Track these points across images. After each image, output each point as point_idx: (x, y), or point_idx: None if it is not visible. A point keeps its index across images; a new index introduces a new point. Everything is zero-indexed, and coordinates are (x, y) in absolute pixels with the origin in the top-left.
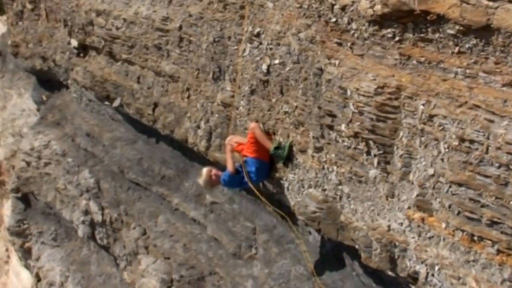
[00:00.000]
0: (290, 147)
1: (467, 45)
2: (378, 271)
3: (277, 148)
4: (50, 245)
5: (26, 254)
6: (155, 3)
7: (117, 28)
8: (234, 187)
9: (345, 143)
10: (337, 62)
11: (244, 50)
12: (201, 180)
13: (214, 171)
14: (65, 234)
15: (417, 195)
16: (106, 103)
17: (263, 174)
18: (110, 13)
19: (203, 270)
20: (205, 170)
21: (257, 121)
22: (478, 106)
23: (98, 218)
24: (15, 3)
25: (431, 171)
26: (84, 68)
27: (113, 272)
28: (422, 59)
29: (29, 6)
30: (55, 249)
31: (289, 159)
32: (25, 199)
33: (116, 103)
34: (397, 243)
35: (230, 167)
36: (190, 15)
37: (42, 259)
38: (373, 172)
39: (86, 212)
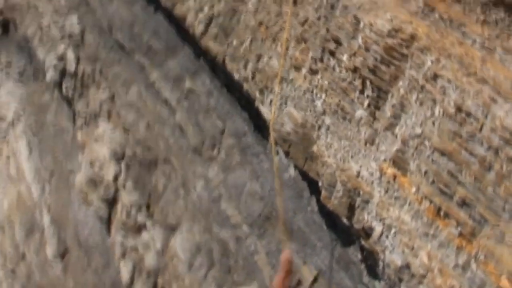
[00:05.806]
0: None
1: (494, 16)
2: (334, 214)
3: None
4: (14, 78)
5: None
6: None
7: None
8: None
9: (342, 75)
10: None
11: None
12: None
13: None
14: (32, 73)
15: (397, 150)
16: None
17: None
18: None
19: (158, 155)
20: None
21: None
22: (486, 81)
23: (71, 67)
24: None
25: (418, 130)
26: None
27: (67, 127)
28: (445, 16)
29: None
30: (17, 84)
31: None
32: (5, 26)
33: None
34: (361, 192)
35: None
36: None
37: (1, 90)
38: (360, 113)
39: (61, 58)
